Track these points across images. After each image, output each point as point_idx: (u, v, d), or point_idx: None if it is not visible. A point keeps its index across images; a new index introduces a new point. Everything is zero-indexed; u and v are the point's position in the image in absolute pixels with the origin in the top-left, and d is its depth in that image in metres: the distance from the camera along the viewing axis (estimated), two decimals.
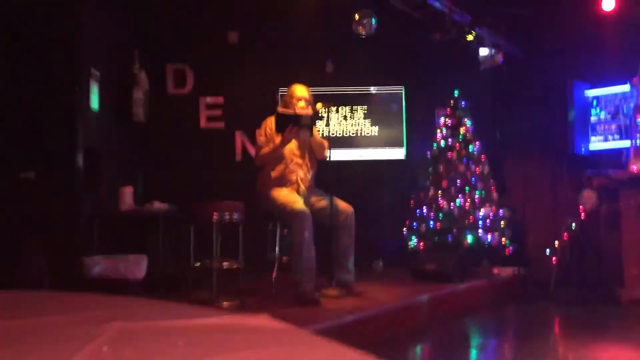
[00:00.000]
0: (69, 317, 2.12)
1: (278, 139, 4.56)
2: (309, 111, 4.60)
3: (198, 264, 4.43)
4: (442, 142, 6.36)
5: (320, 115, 6.00)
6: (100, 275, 4.49)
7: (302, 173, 4.69)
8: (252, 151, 6.75)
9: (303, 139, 4.66)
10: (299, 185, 4.65)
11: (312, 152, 4.79)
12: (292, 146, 4.68)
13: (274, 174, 4.64)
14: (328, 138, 4.95)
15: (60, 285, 4.13)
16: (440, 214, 6.05)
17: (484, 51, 6.26)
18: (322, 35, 6.67)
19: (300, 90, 4.76)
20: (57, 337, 1.83)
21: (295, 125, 4.41)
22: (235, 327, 1.99)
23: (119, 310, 2.29)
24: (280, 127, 4.46)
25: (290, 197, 4.49)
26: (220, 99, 6.86)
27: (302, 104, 4.69)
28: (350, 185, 5.99)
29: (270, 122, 4.67)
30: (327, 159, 4.74)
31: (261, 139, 4.69)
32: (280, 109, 4.60)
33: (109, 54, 5.67)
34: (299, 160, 4.69)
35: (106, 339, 1.75)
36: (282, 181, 4.62)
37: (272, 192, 4.57)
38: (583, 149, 6.12)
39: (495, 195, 6.18)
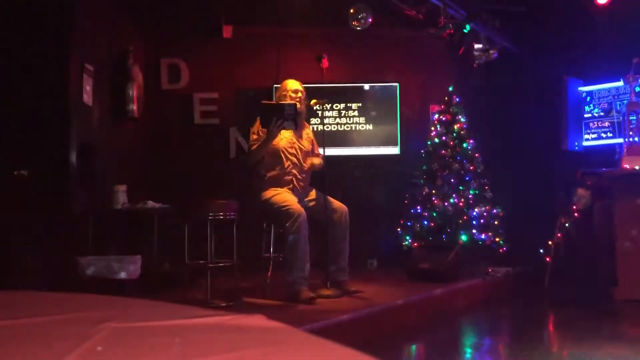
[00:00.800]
0: (63, 317, 2.11)
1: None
2: (293, 102, 4.57)
3: (192, 263, 4.42)
4: (436, 139, 6.35)
5: (316, 110, 5.97)
6: (95, 275, 4.47)
7: (297, 173, 4.68)
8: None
9: (291, 132, 4.64)
10: (294, 185, 4.64)
11: (307, 152, 4.79)
12: (288, 145, 4.67)
13: (269, 173, 4.63)
14: (322, 134, 4.93)
15: (54, 285, 4.11)
16: (435, 213, 6.05)
17: (478, 47, 6.26)
18: (317, 31, 6.65)
19: (292, 84, 4.75)
20: (51, 337, 1.83)
21: (280, 117, 4.36)
22: (230, 327, 1.99)
23: (113, 310, 2.28)
24: (265, 120, 4.42)
25: (285, 196, 4.48)
26: (215, 95, 6.84)
27: (298, 95, 4.67)
28: (344, 183, 5.99)
29: None
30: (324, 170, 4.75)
31: (254, 137, 4.67)
32: (263, 101, 4.57)
33: (102, 49, 5.64)
34: (294, 160, 4.68)
35: (101, 338, 1.75)
36: (278, 181, 4.61)
37: (267, 191, 4.57)
38: (576, 145, 6.13)
39: (489, 193, 6.18)
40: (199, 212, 4.28)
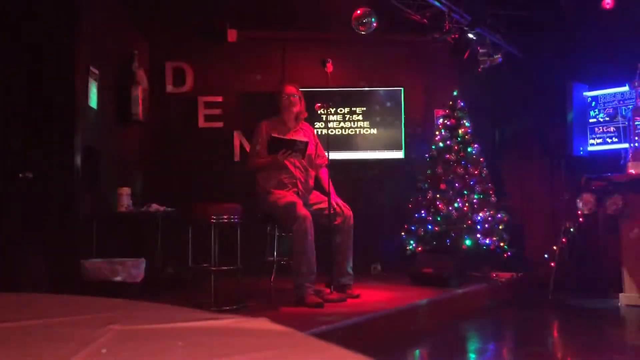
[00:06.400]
0: (67, 319, 2.11)
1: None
2: (303, 138, 4.62)
3: (196, 267, 4.42)
4: (441, 144, 6.33)
5: (320, 114, 5.93)
6: (98, 278, 4.48)
7: (302, 176, 4.69)
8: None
9: (299, 135, 4.69)
10: (299, 188, 4.64)
11: (311, 155, 4.80)
12: None
13: (275, 176, 4.62)
14: (326, 138, 4.95)
15: (58, 287, 4.11)
16: (439, 217, 6.03)
17: (483, 51, 6.26)
18: (322, 35, 6.66)
19: (288, 88, 4.82)
20: (55, 339, 1.82)
21: (289, 149, 4.47)
22: (233, 330, 1.98)
23: (117, 312, 2.27)
24: (273, 150, 4.51)
25: (291, 199, 4.49)
26: (219, 98, 6.85)
27: (292, 97, 4.73)
28: (348, 187, 5.98)
29: (265, 129, 4.71)
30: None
31: (258, 148, 4.72)
32: (274, 134, 4.59)
33: (108, 53, 5.65)
34: (299, 164, 4.69)
35: (104, 341, 1.74)
36: (283, 184, 4.61)
37: (272, 194, 4.57)
38: (581, 150, 6.11)
39: (493, 198, 6.17)
40: (203, 216, 4.28)
